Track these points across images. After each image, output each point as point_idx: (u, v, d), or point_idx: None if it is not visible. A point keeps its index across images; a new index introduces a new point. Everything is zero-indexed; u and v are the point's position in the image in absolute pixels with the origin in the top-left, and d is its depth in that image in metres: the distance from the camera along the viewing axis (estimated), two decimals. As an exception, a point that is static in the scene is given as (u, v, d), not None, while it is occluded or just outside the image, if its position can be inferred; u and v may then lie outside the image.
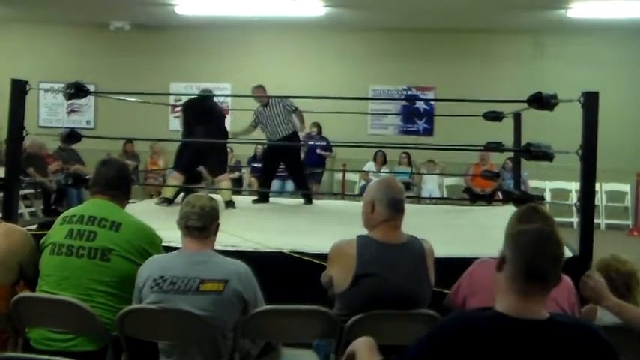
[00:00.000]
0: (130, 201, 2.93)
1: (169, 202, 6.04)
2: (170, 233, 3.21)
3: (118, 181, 2.83)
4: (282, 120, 6.51)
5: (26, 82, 4.15)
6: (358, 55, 10.98)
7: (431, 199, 9.58)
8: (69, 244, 2.66)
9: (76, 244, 2.65)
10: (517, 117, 5.94)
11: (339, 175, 10.38)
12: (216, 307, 2.49)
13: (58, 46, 11.65)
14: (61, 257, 2.64)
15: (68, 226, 2.70)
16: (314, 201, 6.77)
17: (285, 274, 3.48)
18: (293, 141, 6.63)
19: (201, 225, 2.59)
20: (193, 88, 10.57)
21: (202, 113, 6.04)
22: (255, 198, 6.72)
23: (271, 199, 6.87)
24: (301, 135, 7.11)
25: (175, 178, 6.14)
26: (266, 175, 6.91)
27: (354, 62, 10.99)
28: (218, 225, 2.70)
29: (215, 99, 6.59)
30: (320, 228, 4.81)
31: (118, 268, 2.64)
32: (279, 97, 6.59)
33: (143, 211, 4.84)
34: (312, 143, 9.74)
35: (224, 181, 6.20)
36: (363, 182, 10.23)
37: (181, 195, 6.21)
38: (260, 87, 6.61)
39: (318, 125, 10.02)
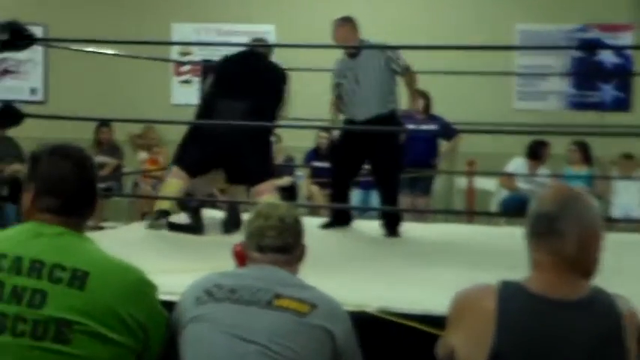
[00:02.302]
0: (100, 224, 2.97)
1: (166, 215, 6.30)
2: (175, 279, 3.26)
3: (79, 189, 2.77)
4: (380, 85, 6.66)
5: None
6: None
7: (629, 222, 9.38)
8: None
9: (10, 311, 2.54)
10: None
11: (461, 181, 10.49)
12: (292, 339, 2.72)
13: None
14: None
15: None
16: (419, 225, 7.00)
17: (373, 347, 3.48)
18: (391, 125, 6.74)
19: (282, 243, 2.95)
20: (211, 33, 10.88)
21: (242, 79, 6.34)
22: (326, 220, 6.94)
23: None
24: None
25: (178, 177, 6.41)
26: (341, 181, 7.04)
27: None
28: (304, 248, 3.05)
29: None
30: (431, 271, 4.90)
31: (84, 355, 2.56)
32: (382, 46, 6.74)
33: (127, 242, 4.89)
34: (414, 127, 9.73)
35: (267, 192, 6.37)
36: (504, 193, 10.27)
37: (222, 216, 6.51)
38: (348, 21, 6.77)
39: (425, 96, 9.86)
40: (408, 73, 6.80)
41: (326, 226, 6.81)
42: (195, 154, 6.36)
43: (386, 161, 6.85)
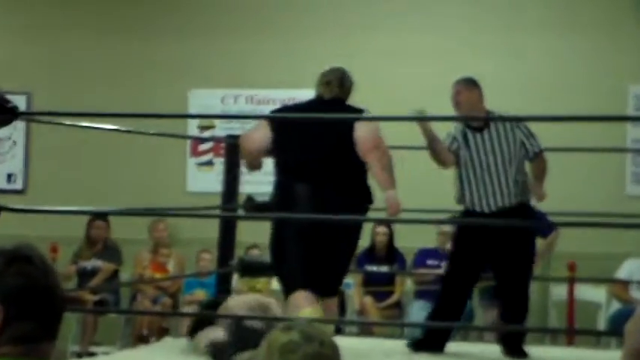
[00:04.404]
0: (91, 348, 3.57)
1: None
2: None
3: (61, 304, 2.49)
4: (512, 170, 6.65)
5: None
6: (601, 23, 10.71)
7: None
8: None
9: None
10: None
11: (560, 290, 9.98)
12: None
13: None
14: None
15: None
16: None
17: None
18: (522, 217, 6.74)
19: None
20: (240, 101, 10.84)
21: (317, 139, 6.10)
22: (416, 337, 6.95)
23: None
24: None
25: (313, 305, 6.05)
26: (455, 290, 6.88)
27: (591, 39, 10.68)
28: None
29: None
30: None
31: None
32: (513, 118, 6.85)
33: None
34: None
35: (330, 308, 6.36)
36: (615, 306, 9.74)
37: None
38: (475, 86, 6.81)
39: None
40: (538, 159, 6.73)
41: (416, 345, 6.68)
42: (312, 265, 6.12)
43: (516, 267, 6.73)
